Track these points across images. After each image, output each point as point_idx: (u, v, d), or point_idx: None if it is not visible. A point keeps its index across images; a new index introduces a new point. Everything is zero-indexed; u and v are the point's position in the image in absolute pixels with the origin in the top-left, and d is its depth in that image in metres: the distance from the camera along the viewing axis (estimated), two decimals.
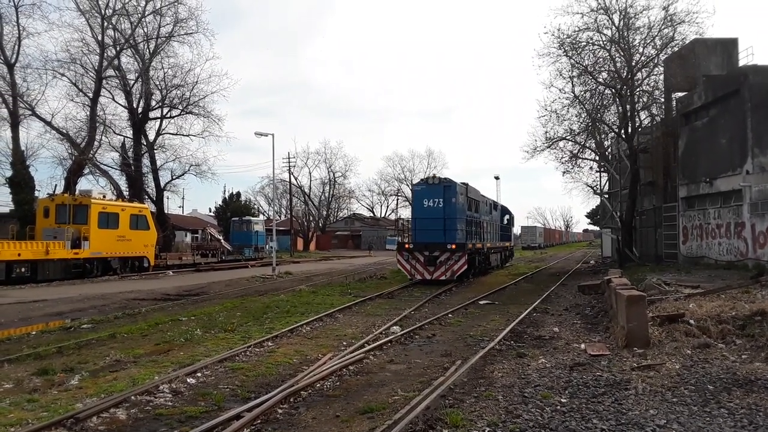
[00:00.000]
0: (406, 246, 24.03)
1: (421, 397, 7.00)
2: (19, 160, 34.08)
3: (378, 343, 10.66)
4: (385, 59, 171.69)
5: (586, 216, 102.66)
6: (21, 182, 33.47)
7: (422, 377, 8.27)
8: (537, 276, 29.66)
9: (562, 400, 6.85)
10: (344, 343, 10.78)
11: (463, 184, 26.13)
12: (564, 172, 33.44)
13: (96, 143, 37.90)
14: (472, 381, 7.88)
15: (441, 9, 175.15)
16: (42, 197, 31.90)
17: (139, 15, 38.42)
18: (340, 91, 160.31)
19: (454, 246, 22.92)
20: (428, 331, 12.20)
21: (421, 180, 25.65)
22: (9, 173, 34.06)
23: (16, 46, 34.49)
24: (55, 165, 39.32)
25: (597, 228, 68.48)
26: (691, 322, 10.42)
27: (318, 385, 7.85)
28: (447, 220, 23.49)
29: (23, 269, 24.90)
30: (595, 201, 48.29)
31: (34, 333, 12.75)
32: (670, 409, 6.38)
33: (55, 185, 35.67)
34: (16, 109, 34.28)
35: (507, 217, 39.08)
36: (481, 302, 17.38)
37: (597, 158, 34.61)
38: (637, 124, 29.91)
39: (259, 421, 6.36)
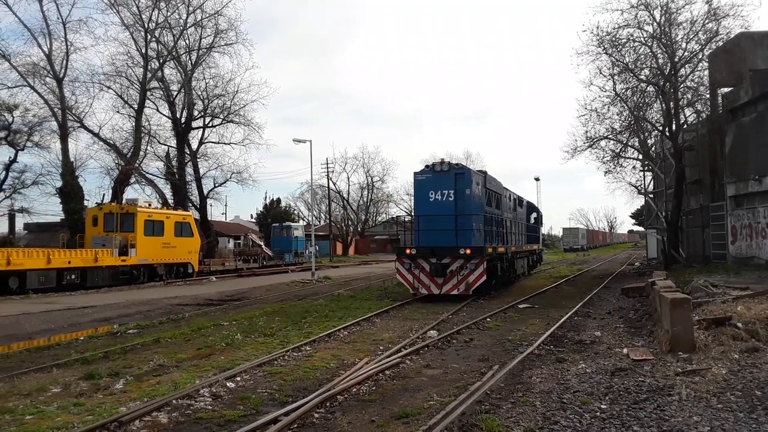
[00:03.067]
0: (407, 251, 19.26)
1: (456, 402, 6.95)
2: (69, 171, 35.30)
3: (415, 347, 10.64)
4: (419, 63, 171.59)
5: (630, 216, 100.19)
6: (71, 192, 34.65)
7: (459, 382, 8.22)
8: (579, 279, 29.12)
9: (602, 407, 6.71)
10: (381, 348, 10.80)
11: (481, 171, 22.26)
12: (606, 172, 32.70)
13: (141, 153, 39.00)
14: (510, 386, 7.79)
15: (474, 11, 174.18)
16: (91, 206, 33.03)
17: (181, 27, 39.41)
18: (375, 96, 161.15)
19: (468, 251, 18.33)
20: (466, 336, 12.11)
21: (426, 166, 20.00)
22: (59, 184, 35.35)
23: (65, 61, 35.82)
24: (102, 175, 40.54)
25: (642, 229, 66.77)
26: (739, 325, 10.05)
27: (354, 389, 7.89)
28: (459, 218, 18.98)
29: (73, 276, 25.79)
30: (640, 201, 47.17)
31: (82, 338, 13.20)
32: (714, 415, 6.17)
33: (103, 195, 36.91)
34: (65, 122, 35.57)
35: (534, 215, 34.05)
36: (521, 306, 17.15)
37: (640, 157, 33.79)
38: (682, 122, 29.09)
39: (295, 425, 6.43)
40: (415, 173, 20.12)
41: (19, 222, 41.26)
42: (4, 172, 36.82)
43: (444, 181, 19.29)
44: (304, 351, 10.69)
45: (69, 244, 29.06)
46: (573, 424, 6.08)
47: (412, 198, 23.42)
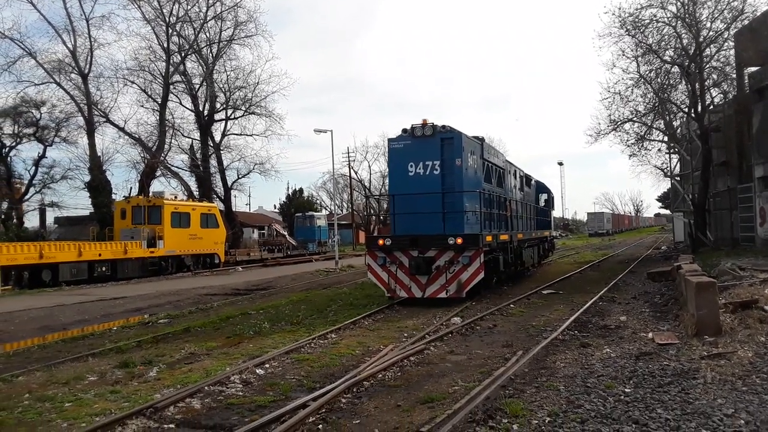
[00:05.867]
0: (380, 242, 15.09)
1: (481, 387, 7.06)
2: (96, 165, 36.05)
3: (439, 334, 10.76)
4: (438, 49, 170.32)
5: (657, 199, 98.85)
6: (99, 186, 35.41)
7: (482, 368, 8.32)
8: (604, 263, 28.92)
9: (626, 390, 6.76)
10: (405, 335, 10.94)
11: (476, 138, 17.04)
12: (630, 155, 32.32)
13: (166, 146, 39.71)
14: (533, 371, 7.87)
15: None
16: (118, 200, 33.73)
17: (201, 20, 39.86)
18: (394, 84, 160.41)
19: (460, 240, 14.30)
20: (489, 322, 12.19)
21: (404, 130, 15.47)
22: (87, 178, 36.13)
23: (89, 57, 36.51)
24: (129, 169, 41.48)
25: (669, 212, 65.81)
26: (766, 308, 9.97)
27: (380, 375, 8.04)
28: (448, 196, 15.00)
29: (104, 268, 26.46)
30: (666, 184, 46.55)
31: (115, 328, 13.59)
32: (739, 398, 6.19)
33: (130, 188, 37.70)
34: (92, 117, 36.27)
35: (545, 196, 28.94)
36: (545, 292, 17.14)
37: (665, 139, 33.30)
38: (708, 102, 28.56)
39: (324, 410, 6.60)
40: (390, 140, 16.04)
41: (50, 216, 42.36)
42: (33, 168, 37.84)
43: (427, 149, 15.19)
44: (329, 338, 10.89)
45: (99, 236, 29.80)
46: (596, 408, 6.14)
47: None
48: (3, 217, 31.50)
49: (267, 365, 8.82)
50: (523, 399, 6.56)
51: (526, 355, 8.73)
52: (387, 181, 76.36)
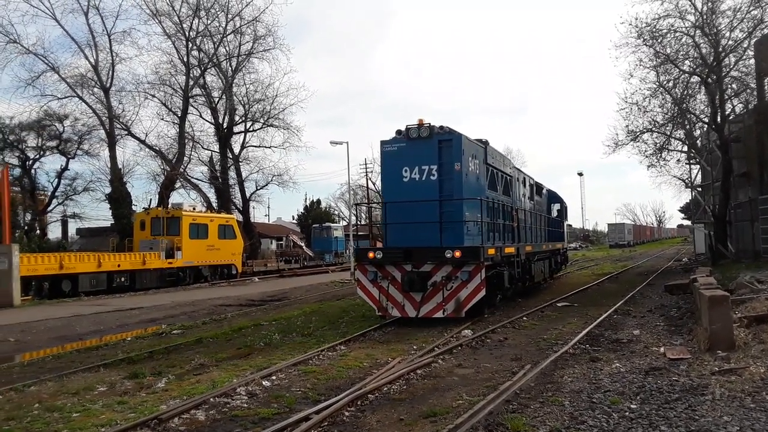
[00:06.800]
0: (370, 255, 13.89)
1: (485, 401, 7.01)
2: (117, 177, 36.69)
3: (448, 347, 10.70)
4: (453, 57, 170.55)
5: (679, 210, 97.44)
6: (119, 198, 36.01)
7: (489, 382, 8.26)
8: (623, 275, 28.55)
9: (632, 406, 6.66)
10: (414, 347, 10.90)
11: (480, 141, 15.77)
12: (649, 166, 31.99)
13: (186, 158, 40.26)
14: (540, 386, 7.80)
15: (505, 4, 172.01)
16: (138, 211, 34.24)
17: (221, 35, 40.43)
18: (409, 93, 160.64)
19: (458, 253, 12.98)
20: (500, 335, 12.10)
21: (398, 132, 14.28)
22: (108, 190, 36.79)
23: (111, 72, 37.30)
24: (149, 180, 42.07)
25: (690, 223, 64.78)
26: None
27: (385, 388, 8.02)
28: (446, 205, 13.73)
29: (123, 279, 26.83)
30: (688, 195, 45.90)
31: (129, 339, 13.75)
32: (746, 415, 6.06)
33: (150, 199, 38.25)
34: (113, 130, 36.97)
35: (557, 206, 27.46)
36: (559, 304, 16.98)
37: (685, 149, 32.92)
38: (728, 112, 28.19)
39: (326, 423, 6.60)
40: (382, 143, 14.56)
41: (72, 227, 43.19)
42: (56, 180, 38.66)
43: (424, 151, 13.93)
44: (338, 350, 10.89)
45: (118, 247, 30.25)
46: (600, 424, 6.07)
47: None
48: (26, 228, 32.13)
49: (274, 377, 8.85)
50: (526, 414, 6.50)
51: (534, 370, 8.66)
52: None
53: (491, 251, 14.04)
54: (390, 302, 13.54)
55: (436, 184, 13.79)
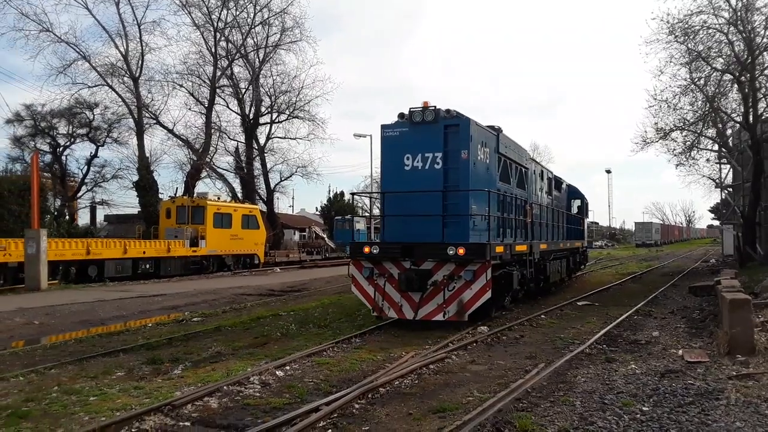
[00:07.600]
0: (366, 249, 12.79)
1: (495, 399, 6.99)
2: (145, 165, 37.22)
3: (463, 342, 10.69)
4: (482, 54, 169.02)
5: (709, 210, 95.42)
6: (146, 186, 36.54)
7: (501, 379, 8.23)
8: (647, 276, 28.14)
9: (644, 409, 6.58)
10: (429, 342, 10.89)
11: (492, 128, 14.48)
12: (677, 165, 31.38)
13: (212, 148, 40.68)
14: (552, 385, 7.75)
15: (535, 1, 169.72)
16: (164, 200, 34.75)
17: (249, 26, 40.68)
18: (437, 89, 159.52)
19: (462, 250, 11.79)
20: (517, 332, 12.03)
21: (400, 116, 13.14)
22: (136, 178, 37.35)
23: (140, 61, 37.77)
24: (176, 169, 42.77)
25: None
26: None
27: (396, 382, 8.05)
28: (451, 196, 12.63)
29: (147, 266, 27.29)
30: (718, 195, 44.93)
31: (150, 325, 13.99)
32: (759, 421, 5.95)
33: (176, 188, 38.84)
34: (141, 119, 37.50)
35: (577, 202, 25.79)
36: (580, 303, 16.81)
37: (715, 148, 32.20)
38: (761, 112, 27.48)
39: (335, 415, 6.66)
40: (383, 127, 13.35)
41: (101, 214, 44.03)
42: (86, 167, 39.39)
43: (428, 137, 12.73)
44: (353, 343, 10.96)
45: (144, 235, 30.77)
46: (609, 426, 6.01)
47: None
48: (56, 213, 32.84)
49: (287, 367, 8.93)
50: (535, 413, 6.47)
51: (548, 368, 8.60)
52: None
53: (499, 249, 12.84)
54: (386, 302, 12.47)
55: (441, 174, 12.68)
